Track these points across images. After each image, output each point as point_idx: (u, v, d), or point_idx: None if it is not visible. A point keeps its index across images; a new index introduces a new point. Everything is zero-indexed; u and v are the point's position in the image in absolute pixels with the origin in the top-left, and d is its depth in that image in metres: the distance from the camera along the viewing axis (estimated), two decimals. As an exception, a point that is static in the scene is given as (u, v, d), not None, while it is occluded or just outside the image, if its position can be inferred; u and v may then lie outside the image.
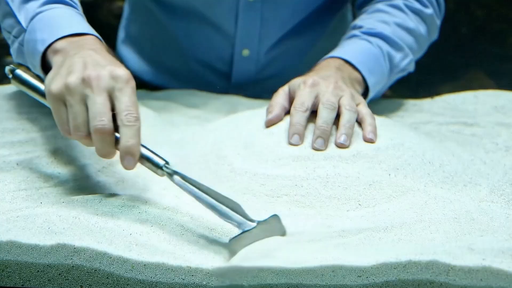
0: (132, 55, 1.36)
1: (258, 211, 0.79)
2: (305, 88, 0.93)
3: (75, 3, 0.96)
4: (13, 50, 0.97)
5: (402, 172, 0.85)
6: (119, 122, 0.75)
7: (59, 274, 0.69)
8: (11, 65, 0.88)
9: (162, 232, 0.73)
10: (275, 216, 0.73)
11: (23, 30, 0.91)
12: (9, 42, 0.98)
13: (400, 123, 1.06)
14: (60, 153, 0.90)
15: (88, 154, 0.91)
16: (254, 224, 0.71)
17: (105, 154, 0.77)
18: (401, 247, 0.68)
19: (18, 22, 0.92)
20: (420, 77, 1.30)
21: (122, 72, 0.77)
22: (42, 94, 0.84)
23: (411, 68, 1.17)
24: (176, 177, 0.76)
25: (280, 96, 0.95)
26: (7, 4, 0.95)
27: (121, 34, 1.42)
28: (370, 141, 0.88)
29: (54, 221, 0.73)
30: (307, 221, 0.77)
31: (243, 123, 0.96)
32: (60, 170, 0.87)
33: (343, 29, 1.21)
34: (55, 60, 0.84)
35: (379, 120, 0.94)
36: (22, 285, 0.70)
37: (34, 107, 0.98)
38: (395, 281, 0.65)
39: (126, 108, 0.75)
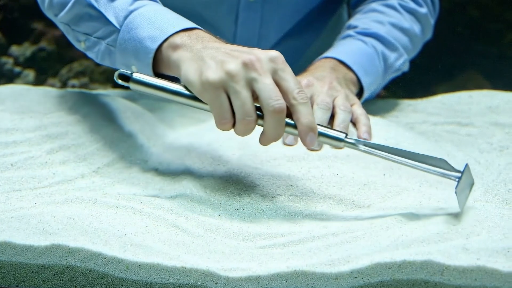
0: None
1: (258, 208, 0.79)
2: (299, 88, 0.93)
3: None
4: (94, 52, 0.93)
5: (397, 172, 0.85)
6: (292, 101, 0.74)
7: (54, 274, 0.69)
8: (121, 70, 0.80)
9: (157, 232, 0.73)
10: (467, 166, 0.76)
11: (115, 30, 0.87)
12: (83, 45, 0.94)
13: (395, 123, 1.06)
14: (54, 153, 0.90)
15: (82, 154, 0.91)
16: (459, 174, 0.74)
17: (278, 135, 0.75)
18: (396, 247, 0.68)
19: (109, 22, 0.88)
20: (416, 77, 1.30)
21: (276, 53, 0.76)
22: (169, 91, 0.79)
23: (406, 68, 1.17)
24: (361, 146, 0.76)
25: (275, 97, 0.95)
26: (90, 5, 0.90)
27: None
28: (365, 141, 0.89)
29: (49, 221, 0.73)
30: (303, 221, 0.77)
31: (238, 123, 0.96)
32: (55, 170, 0.87)
33: (340, 28, 1.21)
34: (179, 55, 0.80)
35: (374, 120, 0.94)
36: (17, 286, 0.70)
37: (29, 107, 0.98)
38: (389, 281, 0.65)
39: (296, 87, 0.75)
